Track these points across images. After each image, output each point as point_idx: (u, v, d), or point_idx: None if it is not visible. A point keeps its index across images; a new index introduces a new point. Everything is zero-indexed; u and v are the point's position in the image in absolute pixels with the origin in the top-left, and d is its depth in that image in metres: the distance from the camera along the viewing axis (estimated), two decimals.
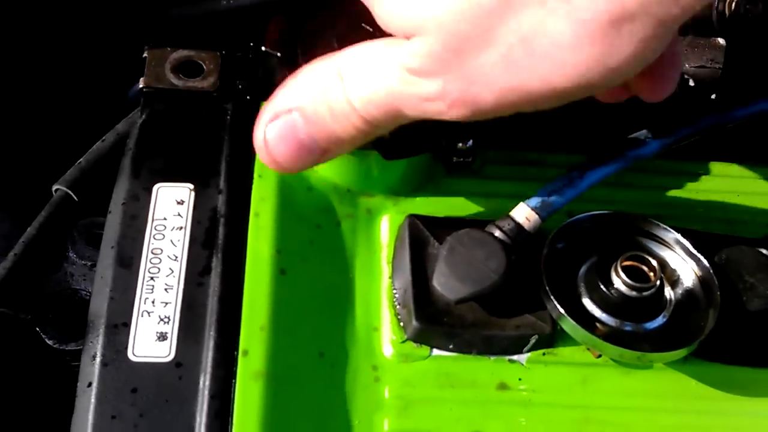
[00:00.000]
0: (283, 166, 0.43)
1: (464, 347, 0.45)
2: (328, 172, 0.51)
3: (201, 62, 0.55)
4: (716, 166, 0.55)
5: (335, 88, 0.40)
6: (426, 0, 0.37)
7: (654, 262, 0.45)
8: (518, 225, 0.46)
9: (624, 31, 0.35)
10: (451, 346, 0.45)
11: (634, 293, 0.44)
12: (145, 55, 0.55)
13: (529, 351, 0.46)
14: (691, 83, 0.61)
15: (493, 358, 0.46)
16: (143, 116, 0.53)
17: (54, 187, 0.53)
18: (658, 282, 0.44)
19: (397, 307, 0.46)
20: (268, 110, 0.43)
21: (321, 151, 0.42)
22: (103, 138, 0.55)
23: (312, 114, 0.41)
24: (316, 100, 0.41)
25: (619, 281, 0.44)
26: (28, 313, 0.53)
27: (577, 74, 0.36)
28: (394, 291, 0.47)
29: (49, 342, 0.52)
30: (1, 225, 0.59)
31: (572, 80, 0.36)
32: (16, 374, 0.55)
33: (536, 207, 0.46)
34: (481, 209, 0.51)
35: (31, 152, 0.65)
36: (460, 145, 0.53)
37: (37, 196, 0.57)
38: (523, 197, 0.47)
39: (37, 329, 0.52)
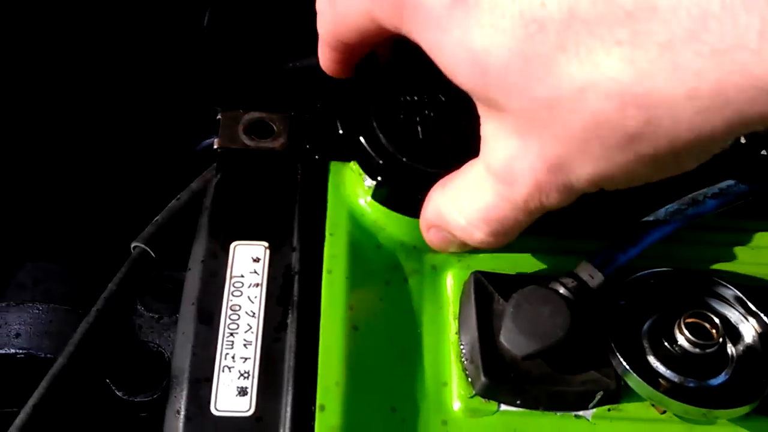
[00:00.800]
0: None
1: (531, 403, 0.47)
2: (395, 230, 0.53)
3: (271, 123, 0.58)
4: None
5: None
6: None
7: (716, 320, 0.46)
8: (582, 282, 0.48)
9: None
10: (518, 402, 0.47)
11: (697, 350, 0.45)
12: (218, 117, 0.58)
13: (594, 407, 0.47)
14: (743, 140, 0.62)
15: (559, 413, 0.47)
16: (218, 176, 0.55)
17: (133, 245, 0.55)
18: (720, 339, 0.46)
19: (465, 362, 0.48)
20: (422, 218, 0.50)
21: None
22: (179, 196, 0.58)
23: (455, 232, 0.48)
24: (453, 224, 0.48)
25: (683, 338, 0.46)
26: (99, 364, 0.55)
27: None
28: (462, 346, 0.49)
29: (119, 393, 0.54)
30: (74, 278, 0.61)
31: None
32: (88, 425, 0.57)
33: (599, 264, 0.48)
34: (543, 265, 0.53)
35: (103, 206, 0.68)
36: None
37: (112, 247, 0.59)
38: (585, 253, 0.49)
39: (107, 381, 0.54)
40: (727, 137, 0.37)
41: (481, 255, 0.53)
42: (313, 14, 0.52)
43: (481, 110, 0.44)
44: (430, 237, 0.50)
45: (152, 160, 0.68)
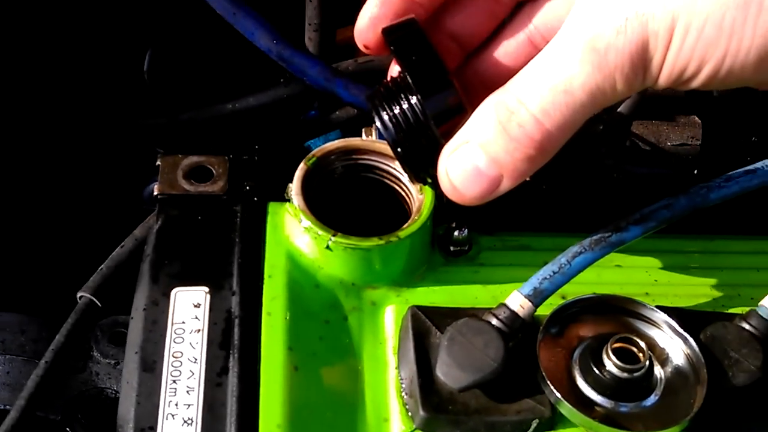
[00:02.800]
0: (465, 196, 0.48)
1: None
2: (333, 269, 0.54)
3: (210, 167, 0.59)
4: (701, 242, 0.58)
5: (515, 112, 0.45)
6: None
7: (642, 344, 0.48)
8: (513, 313, 0.49)
9: None
10: None
11: (625, 375, 0.47)
12: (158, 163, 0.59)
13: None
14: (675, 163, 0.64)
15: None
16: (159, 222, 0.56)
17: (78, 294, 0.56)
18: (647, 362, 0.47)
19: (405, 396, 0.49)
20: (448, 146, 0.48)
21: (498, 179, 0.47)
22: (122, 244, 0.59)
23: (491, 143, 0.46)
24: (495, 129, 0.46)
25: (611, 363, 0.47)
26: (58, 413, 0.56)
27: None
28: (401, 381, 0.50)
29: None
30: (29, 328, 0.62)
31: None
32: None
33: (529, 295, 0.50)
34: (479, 296, 0.55)
35: (53, 254, 0.68)
36: (457, 233, 0.57)
37: (60, 294, 0.60)
38: (518, 282, 0.51)
39: (67, 429, 0.55)
40: None
41: (420, 288, 0.55)
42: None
43: None
44: (452, 164, 0.48)
45: (100, 207, 0.69)
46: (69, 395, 0.57)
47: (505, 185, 0.47)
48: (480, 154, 0.47)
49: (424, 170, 0.51)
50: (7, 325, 0.62)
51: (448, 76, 0.48)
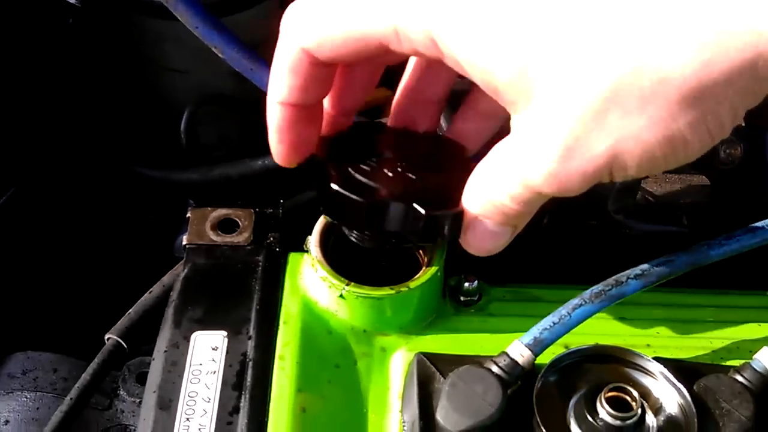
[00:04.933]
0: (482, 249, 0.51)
1: None
2: (346, 316, 0.57)
3: (237, 219, 0.63)
4: (704, 297, 0.60)
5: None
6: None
7: (635, 393, 0.49)
8: (513, 361, 0.51)
9: None
10: None
11: (618, 422, 0.49)
12: (188, 215, 0.63)
13: None
14: (685, 221, 0.66)
15: None
16: (185, 270, 0.60)
17: (106, 336, 0.60)
18: (639, 410, 0.49)
19: None
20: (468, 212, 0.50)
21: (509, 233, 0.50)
22: (151, 290, 0.62)
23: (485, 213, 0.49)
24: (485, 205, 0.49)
25: (604, 411, 0.49)
26: None
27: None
28: (404, 424, 0.52)
29: None
30: (61, 367, 0.66)
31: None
32: None
33: (529, 344, 0.52)
34: (486, 345, 0.57)
35: (88, 299, 0.72)
36: (467, 285, 0.59)
37: (93, 337, 0.64)
38: (524, 332, 0.53)
39: None
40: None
41: (428, 336, 0.57)
42: None
43: None
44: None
45: (134, 257, 0.74)
46: (94, 431, 0.60)
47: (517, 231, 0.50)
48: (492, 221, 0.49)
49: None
50: (40, 364, 0.66)
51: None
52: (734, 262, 0.57)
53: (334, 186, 0.50)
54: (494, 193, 0.48)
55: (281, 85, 0.49)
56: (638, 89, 0.41)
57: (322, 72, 0.49)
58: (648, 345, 0.56)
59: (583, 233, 0.65)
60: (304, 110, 0.50)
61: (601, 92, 0.41)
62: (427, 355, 0.54)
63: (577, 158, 0.43)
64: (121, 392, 0.64)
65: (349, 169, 0.51)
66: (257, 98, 0.72)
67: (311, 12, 0.47)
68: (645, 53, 0.40)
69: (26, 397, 0.65)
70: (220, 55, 0.64)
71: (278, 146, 0.52)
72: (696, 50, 0.40)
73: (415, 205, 0.50)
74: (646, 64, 0.40)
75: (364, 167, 0.52)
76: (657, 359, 0.52)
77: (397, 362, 0.56)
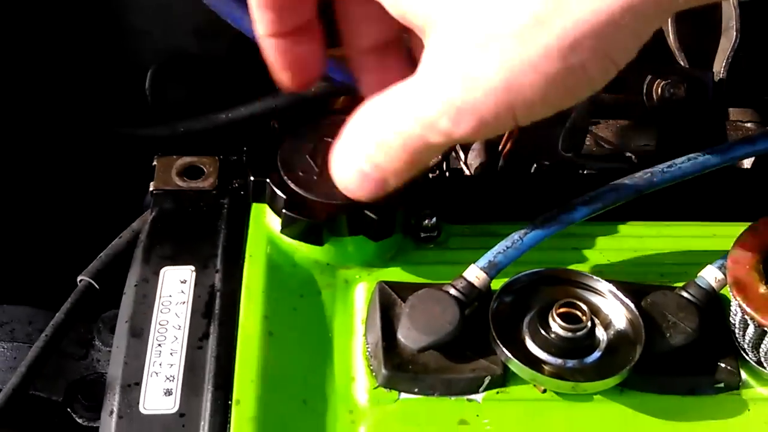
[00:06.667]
0: (357, 195, 0.49)
1: (427, 390, 0.52)
2: (310, 251, 0.59)
3: (202, 166, 0.65)
4: (655, 227, 0.63)
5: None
6: None
7: (585, 307, 0.52)
8: (470, 283, 0.54)
9: None
10: (416, 390, 0.52)
11: (569, 334, 0.52)
12: (154, 163, 0.64)
13: (484, 390, 0.53)
14: (635, 160, 0.69)
15: (453, 398, 0.53)
16: (153, 214, 0.62)
17: (78, 278, 0.61)
18: (589, 323, 0.52)
19: (370, 359, 0.54)
20: (336, 151, 0.49)
21: (383, 181, 0.48)
22: (120, 235, 0.64)
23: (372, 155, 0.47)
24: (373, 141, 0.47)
25: (556, 325, 0.52)
26: (60, 395, 0.60)
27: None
28: (368, 345, 0.55)
29: (79, 420, 0.60)
30: (36, 319, 0.67)
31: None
32: None
33: (484, 267, 0.54)
34: (445, 275, 0.59)
35: (61, 252, 0.74)
36: (426, 221, 0.62)
37: (66, 289, 0.65)
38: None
39: (68, 410, 0.60)
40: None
41: (390, 269, 0.59)
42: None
43: None
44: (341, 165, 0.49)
45: (104, 211, 0.75)
46: (71, 379, 0.62)
47: (393, 184, 0.48)
48: (362, 161, 0.47)
49: None
50: (16, 316, 0.67)
51: None
52: (678, 194, 0.60)
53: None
54: (381, 129, 0.46)
55: (260, 21, 0.51)
56: (534, 18, 0.40)
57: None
58: (600, 272, 0.59)
59: (537, 173, 0.67)
60: (292, 35, 0.51)
61: (500, 19, 0.41)
62: (388, 283, 0.57)
63: (475, 89, 0.42)
64: (96, 342, 0.65)
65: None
66: (220, 56, 0.75)
67: None
68: None
69: (3, 347, 0.66)
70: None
71: (281, 74, 0.53)
72: None
73: None
74: None
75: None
76: (606, 280, 0.55)
77: (360, 292, 0.58)
